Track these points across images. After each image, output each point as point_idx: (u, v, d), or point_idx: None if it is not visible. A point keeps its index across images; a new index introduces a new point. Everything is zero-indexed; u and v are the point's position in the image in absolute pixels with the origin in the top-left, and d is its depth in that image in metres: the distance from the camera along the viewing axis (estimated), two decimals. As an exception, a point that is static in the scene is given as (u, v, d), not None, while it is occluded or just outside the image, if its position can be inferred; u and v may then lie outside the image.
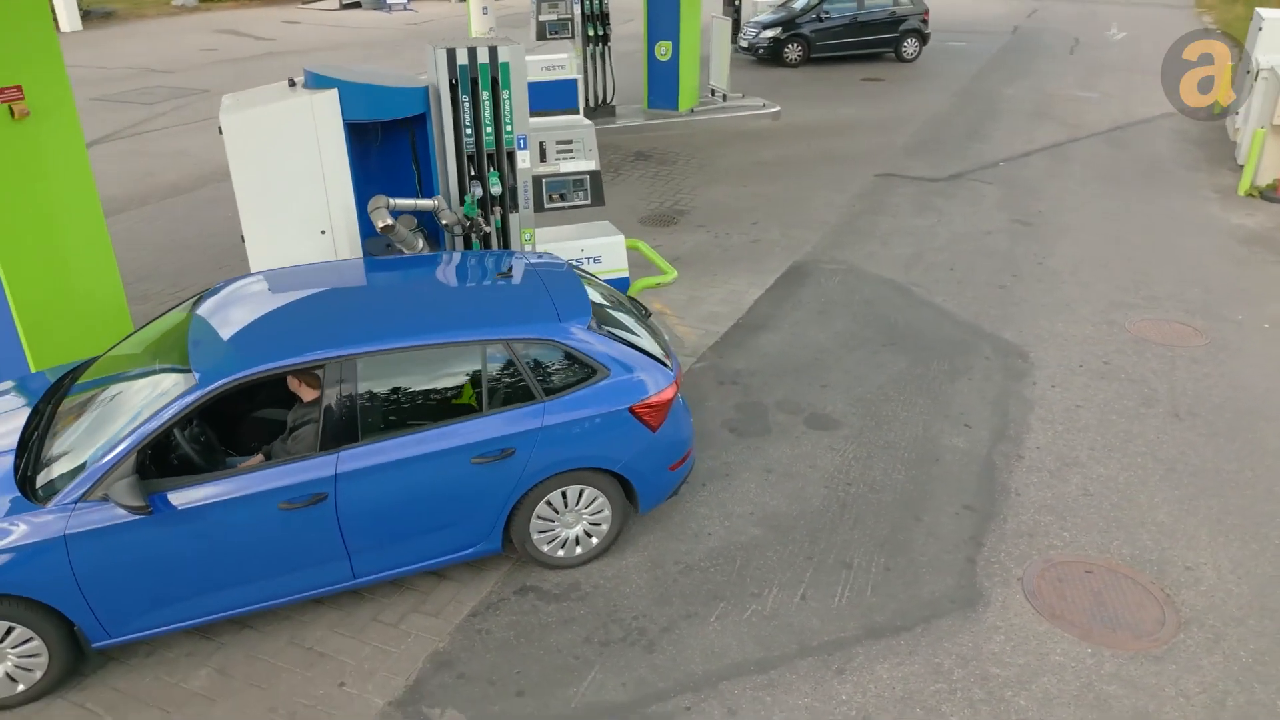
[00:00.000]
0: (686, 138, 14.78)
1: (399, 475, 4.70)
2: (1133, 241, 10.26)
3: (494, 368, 4.90)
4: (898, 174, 12.75)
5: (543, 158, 7.13)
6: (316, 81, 6.44)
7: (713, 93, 16.40)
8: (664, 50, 15.24)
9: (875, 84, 18.61)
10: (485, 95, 6.63)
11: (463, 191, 6.82)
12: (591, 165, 7.23)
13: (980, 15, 28.02)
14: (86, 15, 27.31)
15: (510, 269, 5.63)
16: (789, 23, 20.19)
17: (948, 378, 7.39)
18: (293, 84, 6.62)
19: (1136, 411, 6.93)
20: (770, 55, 20.26)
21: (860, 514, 5.80)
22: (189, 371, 4.54)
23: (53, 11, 25.40)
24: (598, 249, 7.48)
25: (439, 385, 4.86)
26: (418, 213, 6.78)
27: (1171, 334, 8.11)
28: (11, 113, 5.77)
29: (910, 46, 20.70)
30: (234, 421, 5.60)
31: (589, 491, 5.19)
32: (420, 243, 6.67)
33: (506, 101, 6.68)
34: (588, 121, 7.21)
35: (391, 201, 6.42)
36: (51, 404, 5.04)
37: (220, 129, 6.09)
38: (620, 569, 5.37)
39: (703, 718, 4.41)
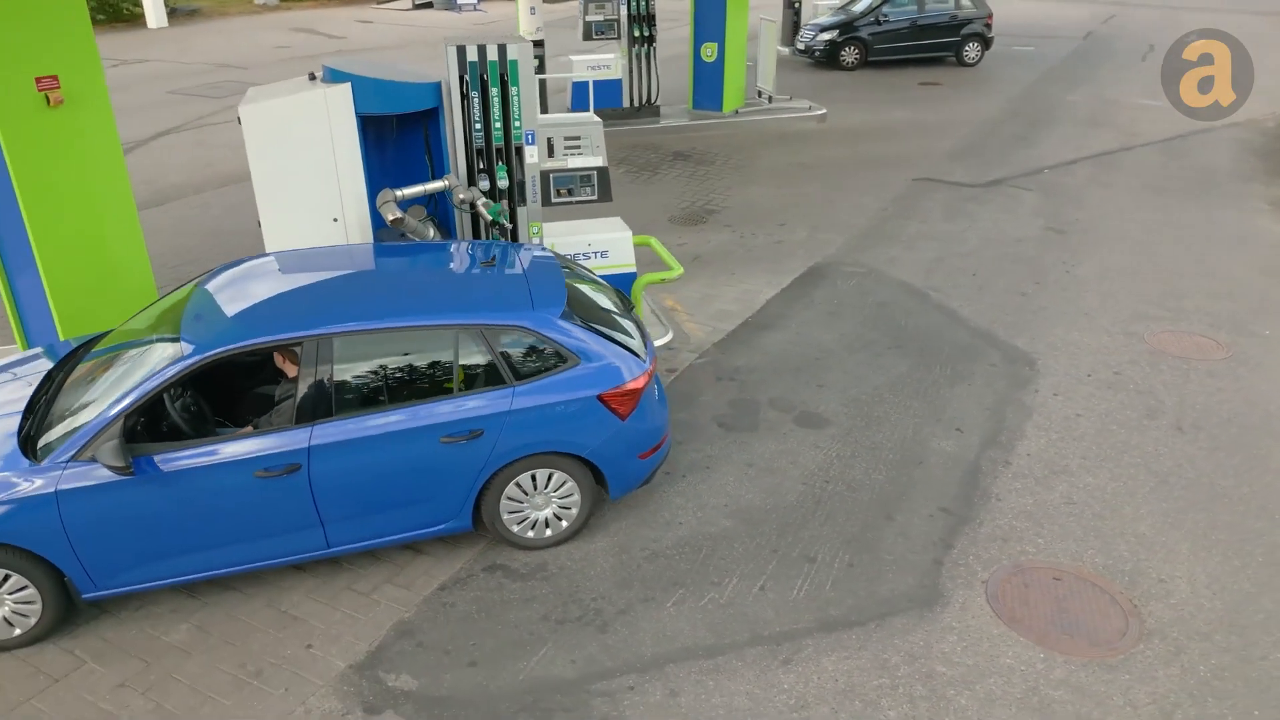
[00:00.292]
0: (728, 139, 14.85)
1: (370, 450, 4.93)
2: (1168, 252, 9.99)
3: (466, 351, 5.10)
4: (936, 179, 12.61)
5: (550, 153, 7.32)
6: (333, 76, 6.75)
7: (759, 94, 16.43)
8: (709, 51, 15.34)
9: (931, 88, 18.37)
10: (494, 91, 6.87)
11: (472, 184, 7.07)
12: (599, 161, 7.40)
13: (1053, 20, 27.32)
14: (173, 12, 28.59)
15: (494, 258, 5.84)
16: (846, 25, 20.02)
17: (948, 382, 7.34)
18: (313, 78, 6.94)
19: (1138, 423, 6.79)
20: (826, 58, 20.12)
21: (833, 511, 5.84)
22: (180, 343, 4.86)
23: (141, 8, 26.64)
24: (605, 244, 7.64)
25: (413, 366, 5.08)
26: (429, 197, 7.03)
27: (1191, 346, 7.90)
28: (48, 100, 6.20)
29: (972, 51, 20.35)
30: (238, 395, 5.92)
31: (558, 475, 5.35)
32: (431, 231, 6.91)
33: (515, 97, 6.91)
34: (596, 119, 7.37)
35: (399, 193, 6.68)
36: (64, 371, 5.43)
37: (239, 119, 6.44)
38: (588, 552, 5.52)
39: (644, 697, 4.54)
